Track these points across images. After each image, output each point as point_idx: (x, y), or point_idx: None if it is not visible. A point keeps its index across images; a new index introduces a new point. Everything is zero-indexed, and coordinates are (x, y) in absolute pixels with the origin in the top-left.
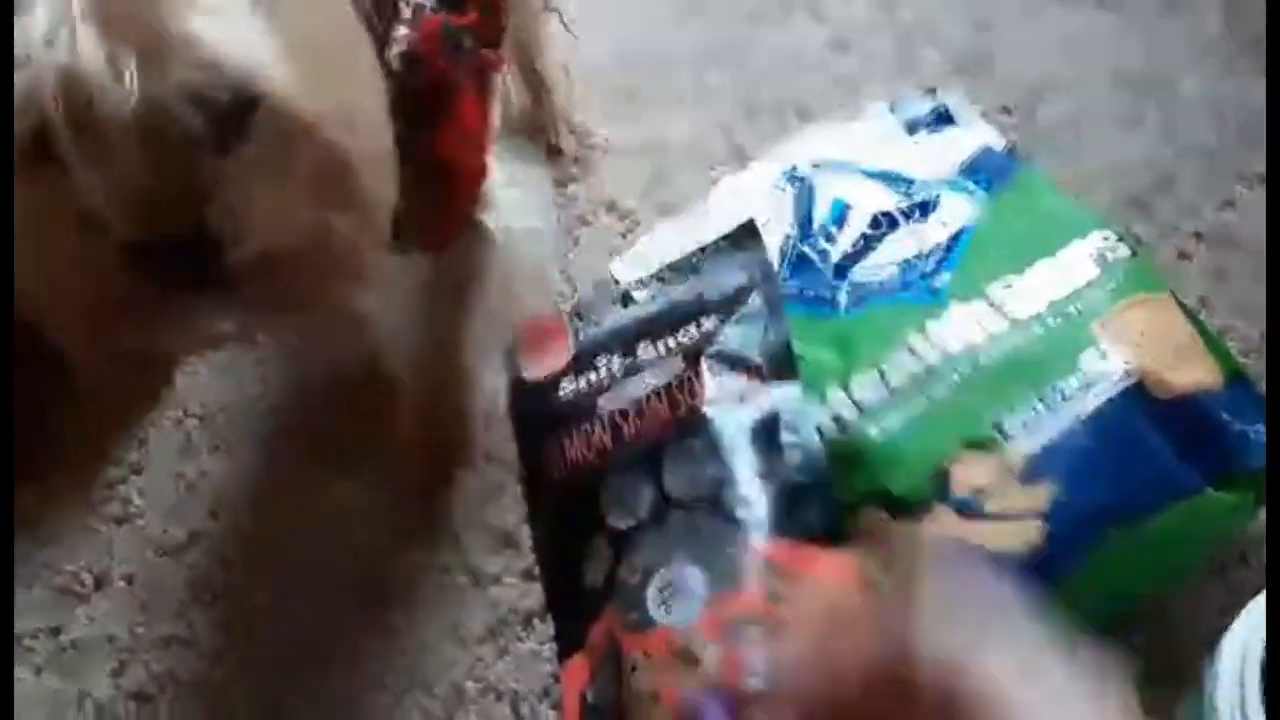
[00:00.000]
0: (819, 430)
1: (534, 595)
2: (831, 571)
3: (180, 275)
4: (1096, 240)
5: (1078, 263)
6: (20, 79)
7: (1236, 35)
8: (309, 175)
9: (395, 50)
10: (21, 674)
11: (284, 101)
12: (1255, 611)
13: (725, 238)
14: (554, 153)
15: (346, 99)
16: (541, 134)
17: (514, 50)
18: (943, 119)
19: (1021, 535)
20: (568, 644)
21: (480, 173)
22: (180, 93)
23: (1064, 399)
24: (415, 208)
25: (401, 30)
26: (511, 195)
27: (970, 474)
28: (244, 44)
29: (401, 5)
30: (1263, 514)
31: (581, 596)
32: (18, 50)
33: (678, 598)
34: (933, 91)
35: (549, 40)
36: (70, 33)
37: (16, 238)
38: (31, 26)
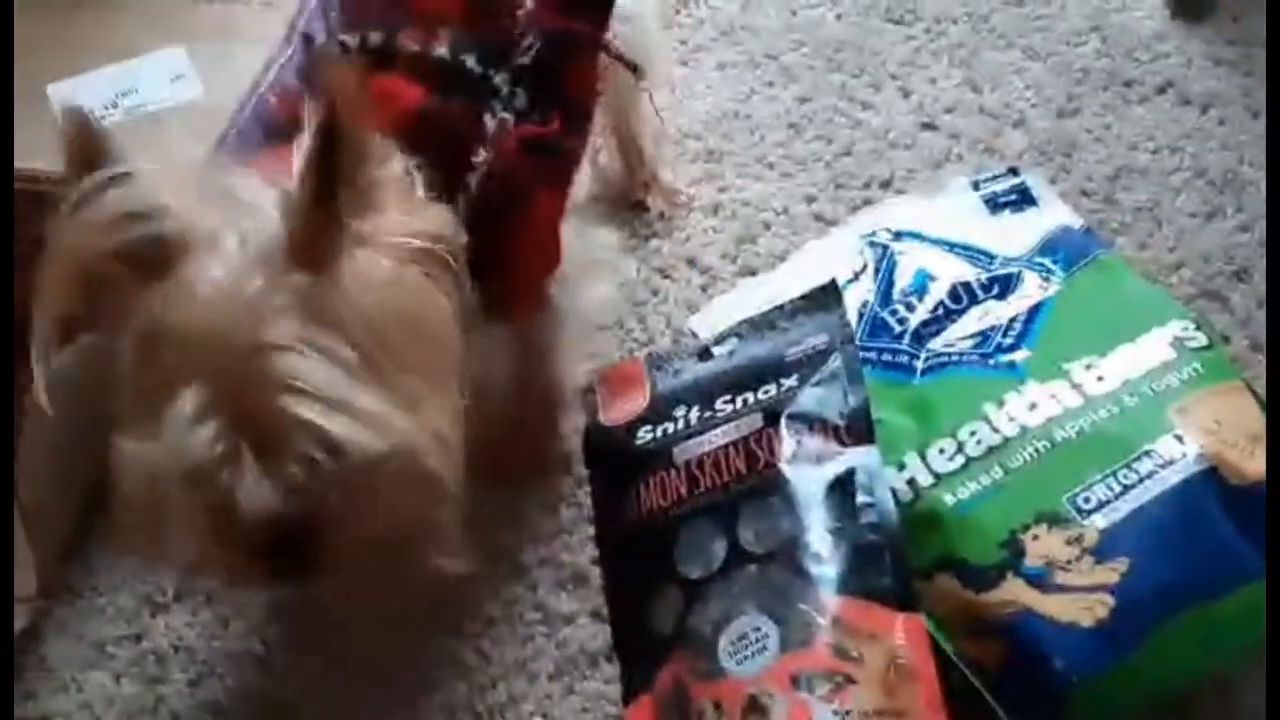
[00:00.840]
0: (894, 494)
1: (603, 636)
2: (900, 632)
3: (282, 554)
4: (1175, 327)
5: (1156, 347)
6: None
7: None
8: (404, 498)
9: (475, 176)
10: (101, 679)
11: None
12: None
13: (806, 296)
14: (640, 208)
15: (432, 418)
16: (629, 193)
17: (609, 116)
18: (1023, 198)
19: (1090, 610)
20: (634, 686)
21: (552, 264)
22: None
23: (1139, 479)
24: (487, 297)
25: (481, 154)
26: (582, 268)
27: (1043, 546)
28: (346, 416)
29: (486, 121)
30: None
31: (650, 640)
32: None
33: (749, 649)
34: (1014, 171)
35: (643, 107)
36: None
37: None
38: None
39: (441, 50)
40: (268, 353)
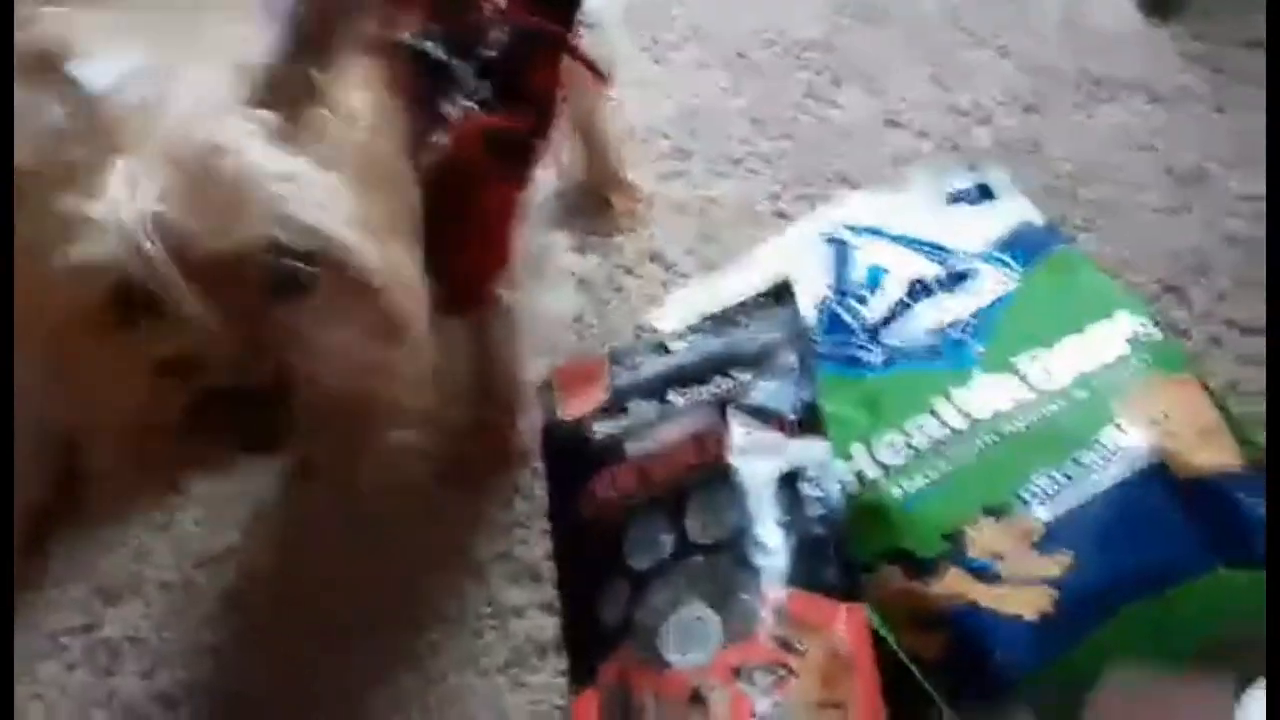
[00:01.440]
0: (842, 486)
1: (553, 629)
2: (842, 624)
3: (250, 419)
4: (1129, 320)
5: (1107, 340)
6: (103, 234)
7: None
8: (369, 326)
9: (429, 155)
10: (54, 669)
11: (351, 257)
12: (1250, 705)
13: (762, 294)
14: (605, 205)
15: (397, 255)
16: (594, 192)
17: (574, 116)
18: (984, 194)
19: (1034, 602)
20: (580, 679)
21: (500, 260)
22: (261, 244)
23: (1085, 472)
24: (435, 290)
25: (438, 137)
26: (539, 268)
27: (987, 538)
28: (316, 205)
29: (445, 108)
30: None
31: (597, 633)
32: (99, 210)
33: (692, 640)
34: (975, 167)
35: (607, 108)
36: (157, 187)
37: (83, 380)
38: (115, 185)
39: (404, 36)
40: (237, 154)
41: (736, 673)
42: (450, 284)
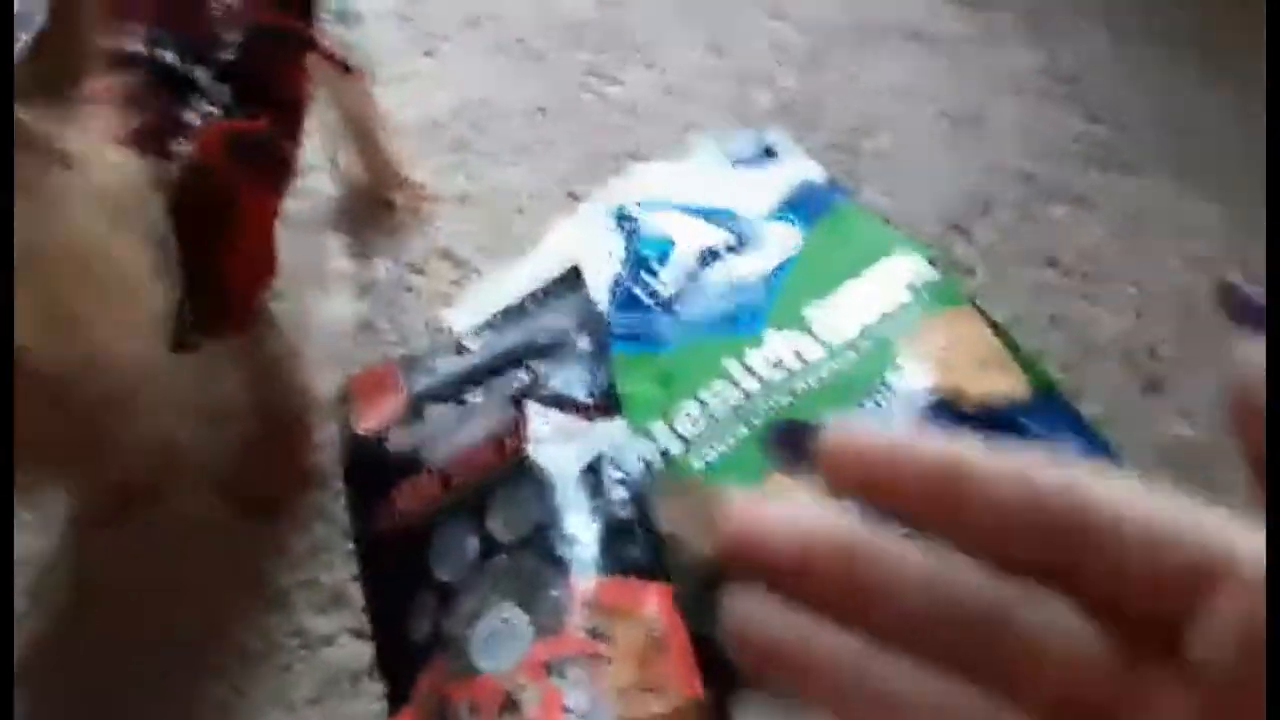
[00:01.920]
0: (645, 464)
1: (365, 653)
2: (654, 604)
3: None
4: (907, 263)
5: (888, 286)
6: None
7: (1048, 69)
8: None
9: (176, 165)
10: None
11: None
12: None
13: (552, 282)
14: (388, 206)
15: (96, 339)
16: (376, 193)
17: (341, 117)
18: (767, 156)
19: None
20: (397, 700)
21: (265, 272)
22: None
23: (874, 416)
24: (199, 312)
25: (181, 145)
26: (311, 277)
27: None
28: None
29: (186, 116)
30: None
31: (409, 650)
32: None
33: (502, 643)
34: (758, 130)
35: (372, 106)
36: None
37: None
38: None
39: (137, 46)
40: None
41: (547, 669)
42: (214, 300)
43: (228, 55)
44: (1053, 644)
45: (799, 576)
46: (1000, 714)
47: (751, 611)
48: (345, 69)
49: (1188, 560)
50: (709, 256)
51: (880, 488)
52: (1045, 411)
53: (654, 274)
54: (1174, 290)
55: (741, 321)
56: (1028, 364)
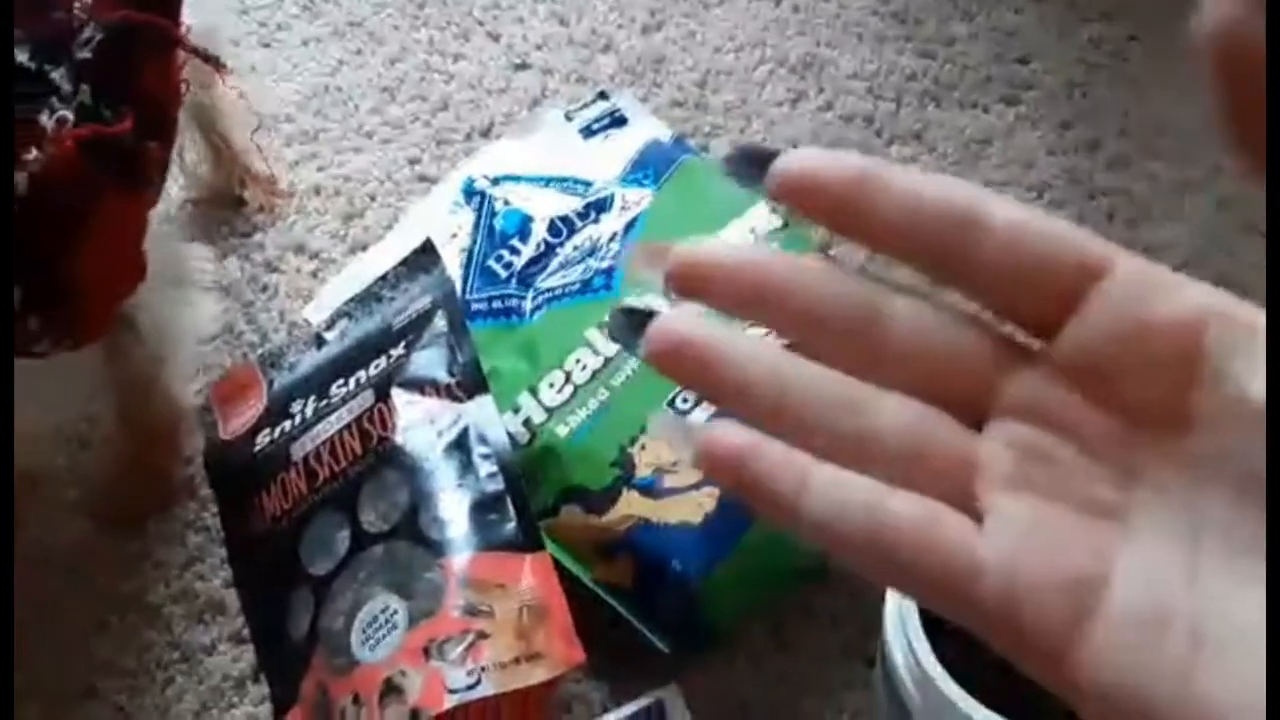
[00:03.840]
0: (512, 438)
1: (247, 659)
2: (529, 575)
3: None
4: (754, 214)
5: (737, 238)
6: None
7: (882, 12)
8: None
9: (23, 174)
10: None
11: None
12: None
13: (403, 262)
14: (239, 203)
15: None
16: (225, 190)
17: (189, 112)
18: (615, 120)
19: (700, 506)
20: (282, 702)
21: (131, 278)
22: None
23: None
24: (48, 319)
25: (34, 153)
26: (171, 281)
27: (650, 455)
28: None
29: (42, 120)
30: None
31: (290, 651)
32: None
33: (380, 632)
34: (604, 95)
35: (224, 99)
36: None
37: None
38: None
39: None
40: None
41: (426, 652)
42: (67, 307)
43: (84, 53)
44: (926, 339)
45: (717, 294)
46: (874, 400)
47: (677, 318)
48: (216, 64)
49: (1073, 263)
50: (564, 225)
51: (811, 194)
52: None
53: (511, 249)
54: None
55: (597, 287)
56: None
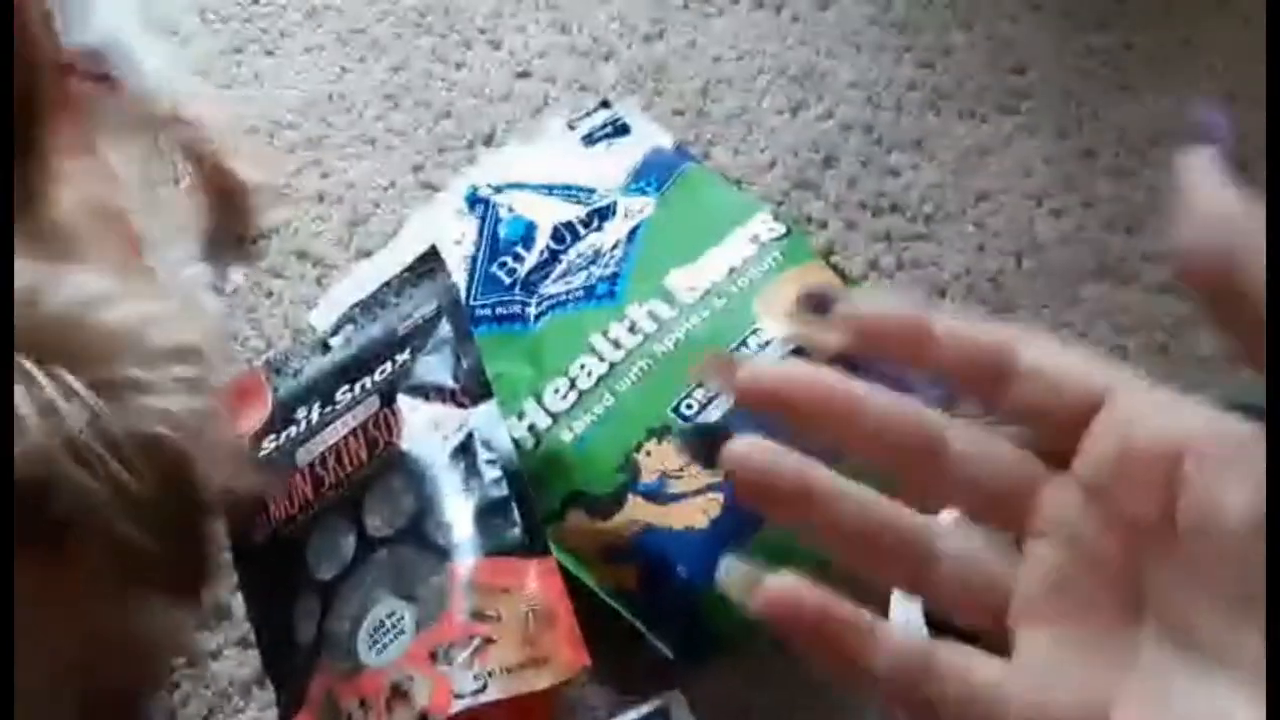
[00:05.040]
0: (516, 444)
1: (252, 663)
2: (534, 580)
3: None
4: (756, 222)
5: (740, 245)
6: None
7: (882, 21)
8: None
9: None
10: None
11: None
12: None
13: (409, 269)
14: (236, 213)
15: None
16: (221, 200)
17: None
18: (617, 129)
19: (705, 510)
20: (288, 707)
21: None
22: None
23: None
24: None
25: None
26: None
27: (655, 460)
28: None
29: None
30: None
31: (297, 656)
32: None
33: (387, 637)
34: (606, 103)
35: (190, 109)
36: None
37: None
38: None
39: None
40: None
41: (434, 656)
42: None
43: None
44: (980, 461)
45: (786, 407)
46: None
47: (748, 447)
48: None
49: (1079, 395)
50: (567, 232)
51: (869, 339)
52: None
53: (515, 256)
54: (1012, 224)
55: (601, 294)
56: None
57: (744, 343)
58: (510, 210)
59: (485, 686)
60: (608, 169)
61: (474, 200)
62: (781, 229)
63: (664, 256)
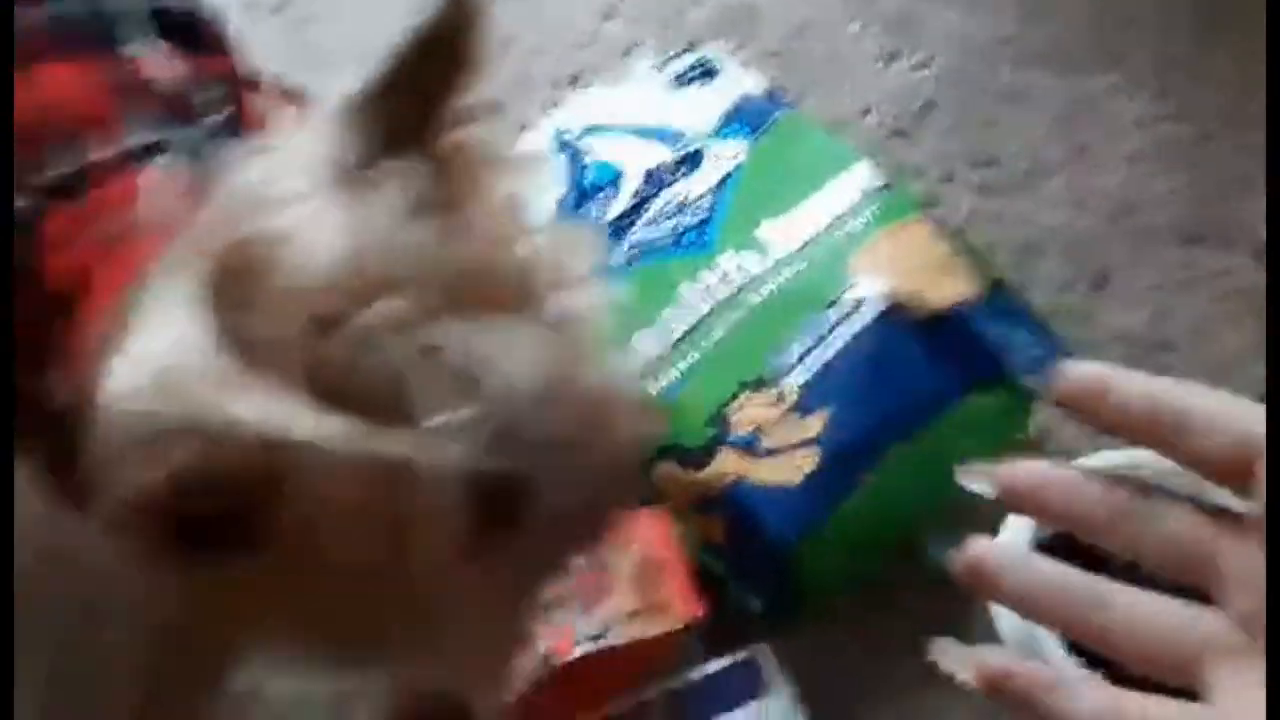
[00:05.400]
0: None
1: None
2: (648, 530)
3: None
4: (855, 173)
5: (838, 196)
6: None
7: None
8: None
9: None
10: None
11: None
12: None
13: None
14: None
15: None
16: None
17: None
18: (706, 72)
19: (799, 467)
20: None
21: None
22: None
23: (830, 328)
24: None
25: None
26: None
27: (748, 413)
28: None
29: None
30: (1033, 417)
31: None
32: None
33: None
34: (695, 46)
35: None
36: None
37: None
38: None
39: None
40: None
41: (555, 603)
42: None
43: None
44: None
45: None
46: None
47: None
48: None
49: (1238, 442)
50: (654, 178)
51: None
52: (998, 310)
53: (602, 201)
54: (1109, 182)
55: (691, 242)
56: (978, 265)
57: (840, 296)
58: (597, 154)
59: (605, 633)
60: (697, 113)
61: (560, 143)
62: (881, 181)
63: (757, 206)
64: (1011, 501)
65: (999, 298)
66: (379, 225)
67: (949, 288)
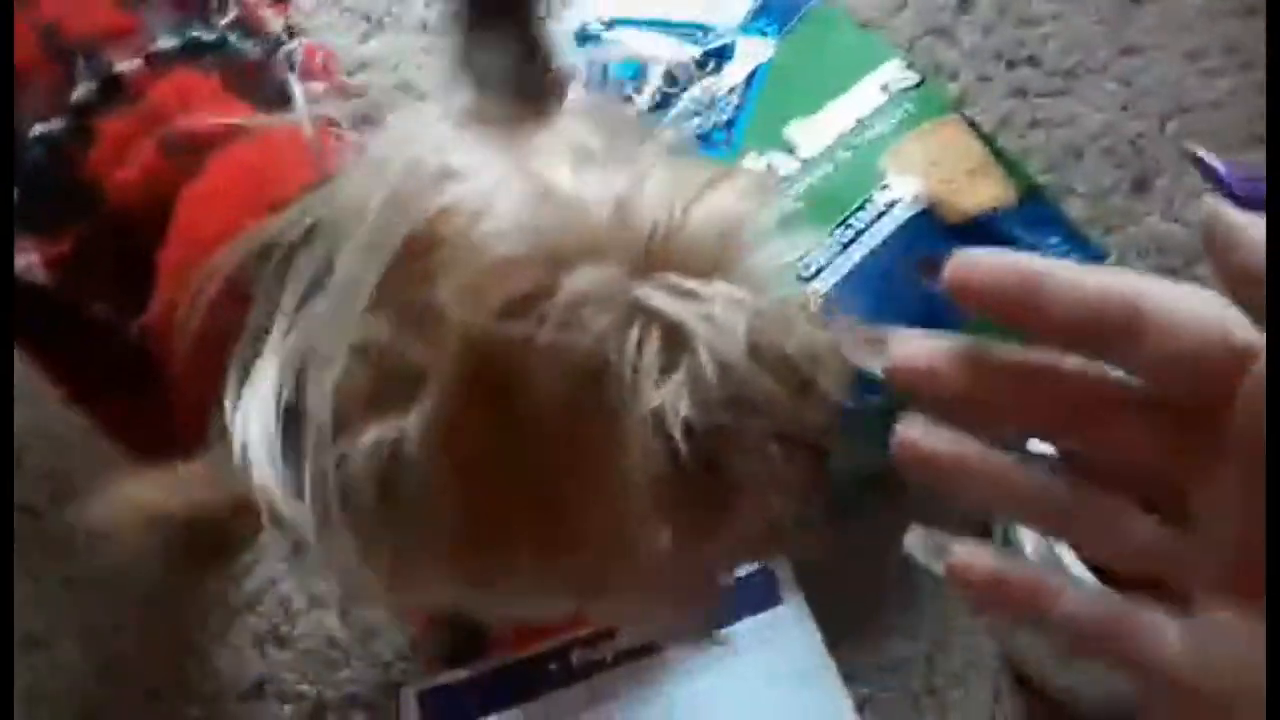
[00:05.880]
0: None
1: None
2: None
3: None
4: (887, 70)
5: (868, 95)
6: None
7: None
8: None
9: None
10: None
11: None
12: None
13: None
14: None
15: None
16: None
17: None
18: None
19: None
20: None
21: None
22: None
23: (856, 234)
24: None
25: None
26: None
27: None
28: None
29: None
30: None
31: None
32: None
33: None
34: None
35: None
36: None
37: None
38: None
39: None
40: None
41: None
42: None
43: None
44: (1132, 434)
45: (932, 383)
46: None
47: (916, 429)
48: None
49: (1221, 348)
50: (680, 74)
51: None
52: (1032, 216)
53: (627, 97)
54: (1160, 83)
55: (718, 142)
56: (1013, 169)
57: (869, 199)
58: (620, 47)
59: None
60: (725, 5)
61: (584, 37)
62: (914, 78)
63: (785, 104)
64: (904, 381)
65: (1035, 203)
66: (561, 187)
67: (983, 192)
